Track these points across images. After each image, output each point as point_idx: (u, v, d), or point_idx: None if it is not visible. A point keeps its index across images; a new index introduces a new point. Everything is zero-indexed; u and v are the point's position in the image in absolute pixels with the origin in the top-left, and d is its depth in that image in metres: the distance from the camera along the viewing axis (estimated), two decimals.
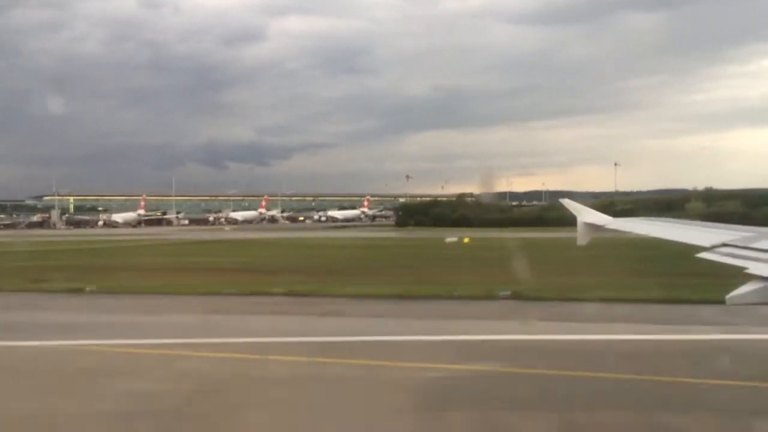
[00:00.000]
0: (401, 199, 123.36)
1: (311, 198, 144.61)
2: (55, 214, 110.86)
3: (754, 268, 5.83)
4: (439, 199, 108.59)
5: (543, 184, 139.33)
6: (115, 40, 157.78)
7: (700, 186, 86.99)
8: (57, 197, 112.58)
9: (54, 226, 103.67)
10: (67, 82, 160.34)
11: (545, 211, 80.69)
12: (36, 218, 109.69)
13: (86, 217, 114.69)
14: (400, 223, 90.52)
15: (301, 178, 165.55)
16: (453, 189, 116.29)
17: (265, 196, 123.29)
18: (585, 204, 12.55)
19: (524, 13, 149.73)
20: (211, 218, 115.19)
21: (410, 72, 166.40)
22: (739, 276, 5.89)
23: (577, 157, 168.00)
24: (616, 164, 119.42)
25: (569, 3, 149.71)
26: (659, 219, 11.34)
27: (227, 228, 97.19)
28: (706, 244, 7.09)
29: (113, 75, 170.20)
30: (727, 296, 5.61)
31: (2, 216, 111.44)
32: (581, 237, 11.28)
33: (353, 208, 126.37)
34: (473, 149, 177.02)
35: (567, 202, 12.06)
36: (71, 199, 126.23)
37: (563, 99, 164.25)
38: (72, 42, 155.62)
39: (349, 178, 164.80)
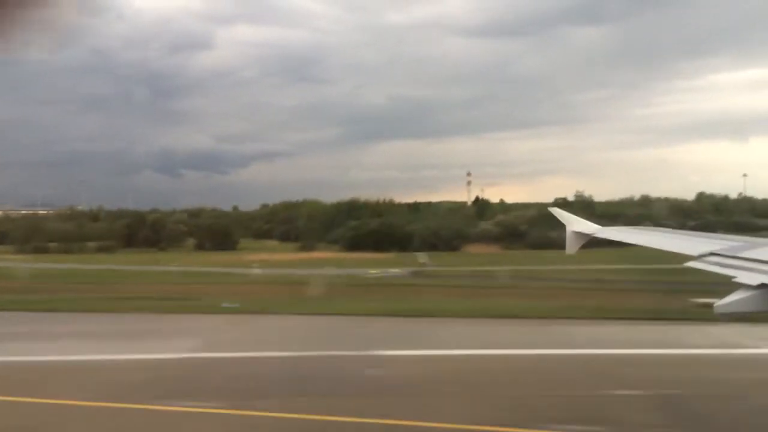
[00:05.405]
0: None
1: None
2: None
3: (741, 277, 5.90)
4: None
5: None
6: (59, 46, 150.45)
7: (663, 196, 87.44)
8: None
9: None
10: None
11: None
12: None
13: None
14: None
15: (261, 187, 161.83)
16: (417, 198, 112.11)
17: None
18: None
19: (469, 26, 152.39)
20: None
21: (365, 82, 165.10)
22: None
23: (539, 168, 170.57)
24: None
25: (513, 17, 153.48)
26: (646, 228, 11.23)
27: None
28: (694, 253, 7.09)
29: (61, 81, 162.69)
30: (716, 304, 5.66)
31: None
32: (570, 246, 11.12)
33: None
34: (437, 159, 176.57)
35: (557, 212, 12.01)
36: None
37: (520, 111, 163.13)
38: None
39: (309, 187, 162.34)
